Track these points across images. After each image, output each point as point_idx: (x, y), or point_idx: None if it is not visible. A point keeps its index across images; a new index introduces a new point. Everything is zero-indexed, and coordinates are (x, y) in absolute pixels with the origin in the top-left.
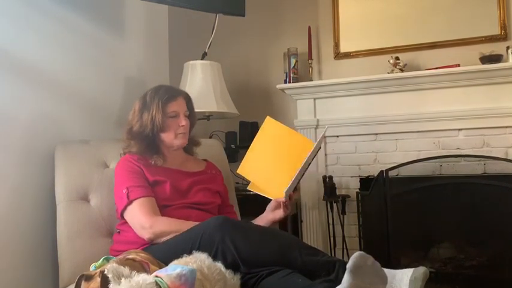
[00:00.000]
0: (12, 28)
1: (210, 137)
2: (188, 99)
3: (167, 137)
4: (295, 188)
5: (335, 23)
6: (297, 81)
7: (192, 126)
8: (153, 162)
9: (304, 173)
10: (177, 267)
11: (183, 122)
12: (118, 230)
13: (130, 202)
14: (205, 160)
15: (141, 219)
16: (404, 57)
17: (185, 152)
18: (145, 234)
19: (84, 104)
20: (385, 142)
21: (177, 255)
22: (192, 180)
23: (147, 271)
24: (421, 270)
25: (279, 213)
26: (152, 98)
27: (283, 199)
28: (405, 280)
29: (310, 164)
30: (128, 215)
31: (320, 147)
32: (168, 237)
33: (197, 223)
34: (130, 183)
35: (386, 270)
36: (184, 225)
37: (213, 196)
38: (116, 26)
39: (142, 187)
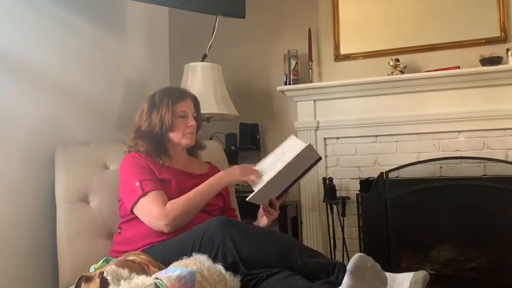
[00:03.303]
0: (13, 30)
1: (210, 139)
2: (196, 102)
3: (175, 136)
4: (282, 195)
5: (335, 25)
6: (297, 83)
7: (199, 128)
8: (160, 161)
9: (292, 182)
10: (176, 269)
11: (192, 122)
12: (119, 230)
13: (144, 194)
14: (208, 162)
15: (153, 211)
16: (404, 59)
17: (189, 154)
18: (163, 227)
19: (84, 106)
20: (385, 144)
21: (179, 256)
22: (196, 181)
23: (147, 273)
24: (421, 274)
25: (263, 220)
26: (161, 98)
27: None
28: (405, 283)
29: (299, 175)
30: (139, 209)
31: (317, 159)
32: (186, 214)
33: (204, 183)
34: (142, 176)
35: (386, 274)
36: (194, 196)
37: (216, 199)
38: (116, 28)
39: (153, 180)
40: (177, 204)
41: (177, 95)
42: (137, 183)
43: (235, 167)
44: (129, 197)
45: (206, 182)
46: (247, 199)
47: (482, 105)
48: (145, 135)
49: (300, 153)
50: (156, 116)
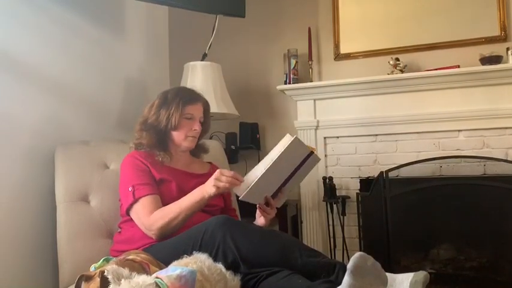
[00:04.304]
0: (14, 30)
1: (210, 138)
2: (206, 107)
3: (177, 136)
4: (277, 194)
5: (335, 24)
6: (297, 82)
7: (204, 133)
8: (160, 159)
9: (285, 179)
10: (177, 269)
11: (196, 126)
12: (119, 229)
13: (136, 200)
14: (209, 163)
15: (142, 220)
16: (404, 58)
17: (192, 155)
18: (150, 235)
19: (84, 105)
20: (385, 143)
21: (179, 254)
22: (197, 181)
23: (147, 272)
24: (422, 274)
25: (261, 220)
26: (174, 96)
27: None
28: (405, 283)
29: (292, 171)
30: (133, 214)
31: (307, 154)
32: (171, 225)
33: (188, 197)
34: (136, 181)
35: (387, 274)
36: (176, 208)
37: (217, 199)
38: (116, 27)
39: (148, 185)
40: (163, 215)
41: (189, 97)
42: (130, 188)
43: (210, 179)
44: (124, 200)
45: (191, 198)
46: (239, 198)
47: (482, 104)
48: (151, 129)
49: (287, 147)
50: (164, 113)
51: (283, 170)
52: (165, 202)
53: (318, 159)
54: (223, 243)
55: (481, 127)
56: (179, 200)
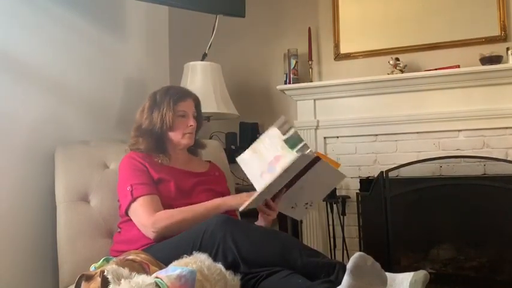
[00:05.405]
0: (14, 30)
1: (210, 138)
2: (197, 101)
3: (175, 136)
4: (277, 195)
5: (335, 24)
6: (297, 82)
7: (199, 128)
8: (159, 160)
9: (289, 185)
10: (177, 268)
11: (192, 122)
12: (119, 229)
13: (134, 199)
14: (208, 161)
15: (142, 218)
16: (404, 58)
17: (190, 153)
18: (149, 234)
19: (84, 105)
20: (385, 143)
21: (179, 254)
22: (196, 180)
23: (147, 272)
24: (421, 273)
25: (261, 222)
26: (163, 96)
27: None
28: (405, 283)
29: (298, 177)
30: (131, 214)
31: (311, 160)
32: (176, 228)
33: (203, 203)
34: (134, 180)
35: (386, 274)
36: (188, 212)
37: (217, 197)
38: (116, 27)
39: (146, 185)
40: (171, 216)
41: (178, 94)
42: (128, 188)
43: (242, 195)
44: (123, 200)
45: (206, 206)
46: (240, 210)
47: (482, 104)
48: (146, 133)
49: (290, 165)
50: (157, 115)
51: (285, 179)
52: (163, 201)
53: (343, 177)
54: (224, 242)
55: (481, 127)
56: (192, 205)
